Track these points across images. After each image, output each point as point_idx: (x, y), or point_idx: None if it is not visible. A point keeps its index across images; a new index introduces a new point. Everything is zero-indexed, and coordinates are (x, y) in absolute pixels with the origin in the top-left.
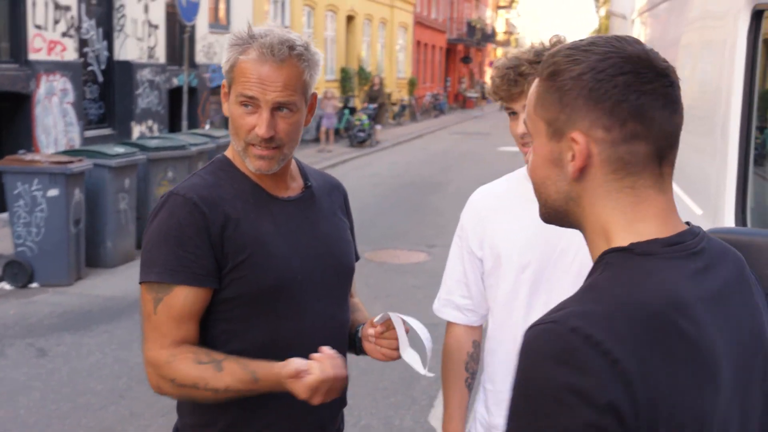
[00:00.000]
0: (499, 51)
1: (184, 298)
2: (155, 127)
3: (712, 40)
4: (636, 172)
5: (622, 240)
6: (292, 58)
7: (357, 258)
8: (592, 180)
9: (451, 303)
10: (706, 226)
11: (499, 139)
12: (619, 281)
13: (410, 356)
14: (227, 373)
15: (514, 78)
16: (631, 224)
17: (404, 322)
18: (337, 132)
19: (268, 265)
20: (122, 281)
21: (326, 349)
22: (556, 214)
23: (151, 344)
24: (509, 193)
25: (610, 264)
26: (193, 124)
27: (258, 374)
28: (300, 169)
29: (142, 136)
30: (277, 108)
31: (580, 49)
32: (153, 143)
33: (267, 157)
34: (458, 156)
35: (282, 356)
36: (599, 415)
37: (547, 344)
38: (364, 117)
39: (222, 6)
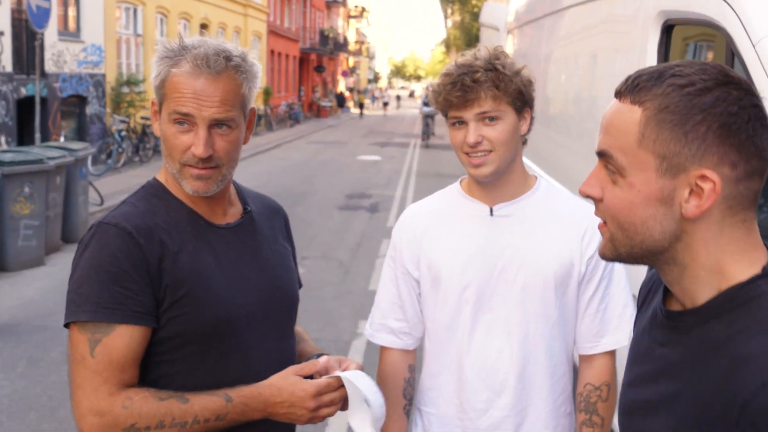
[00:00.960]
0: (351, 60)
1: (129, 339)
2: (2, 139)
3: (617, 52)
4: (747, 206)
5: (743, 270)
6: (229, 69)
7: (300, 285)
8: (708, 218)
9: (386, 327)
10: None
11: (357, 148)
12: None
13: (357, 421)
14: (194, 403)
15: (469, 84)
16: (746, 254)
17: (355, 384)
18: None
19: (209, 301)
20: None
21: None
22: (645, 254)
23: (91, 392)
24: (444, 210)
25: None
26: (45, 136)
27: (231, 394)
28: (238, 192)
29: None
30: (214, 125)
31: (693, 77)
32: (7, 157)
33: (204, 177)
34: (318, 165)
35: None
36: None
37: None
38: None
39: (72, 13)
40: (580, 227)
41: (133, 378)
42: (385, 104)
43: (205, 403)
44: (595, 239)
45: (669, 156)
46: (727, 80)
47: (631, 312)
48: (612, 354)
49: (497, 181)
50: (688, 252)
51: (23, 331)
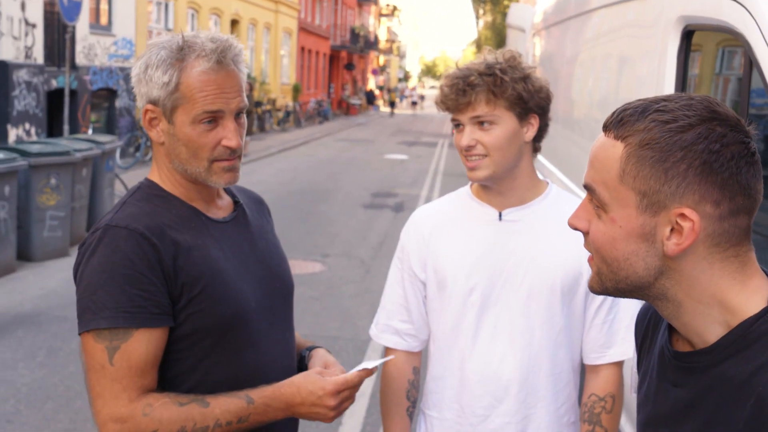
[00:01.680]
0: (382, 58)
1: (147, 343)
2: (33, 130)
3: (638, 57)
4: (738, 242)
5: (747, 300)
6: (237, 57)
7: None
8: (692, 255)
9: (391, 328)
10: None
11: (384, 146)
12: None
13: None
14: (215, 406)
15: (462, 88)
16: (745, 285)
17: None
18: None
19: (224, 296)
20: (2, 296)
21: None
22: (632, 289)
23: (112, 400)
24: (453, 213)
25: None
26: (74, 128)
27: (252, 395)
28: None
29: (19, 141)
30: (237, 115)
31: (677, 112)
32: (34, 148)
33: (235, 168)
34: (345, 163)
35: None
36: None
37: None
38: None
39: (104, 7)
40: None
41: (153, 381)
42: (414, 104)
43: (227, 405)
44: None
45: (649, 193)
46: (713, 116)
47: None
48: (619, 365)
49: (502, 186)
50: (680, 288)
51: (44, 321)
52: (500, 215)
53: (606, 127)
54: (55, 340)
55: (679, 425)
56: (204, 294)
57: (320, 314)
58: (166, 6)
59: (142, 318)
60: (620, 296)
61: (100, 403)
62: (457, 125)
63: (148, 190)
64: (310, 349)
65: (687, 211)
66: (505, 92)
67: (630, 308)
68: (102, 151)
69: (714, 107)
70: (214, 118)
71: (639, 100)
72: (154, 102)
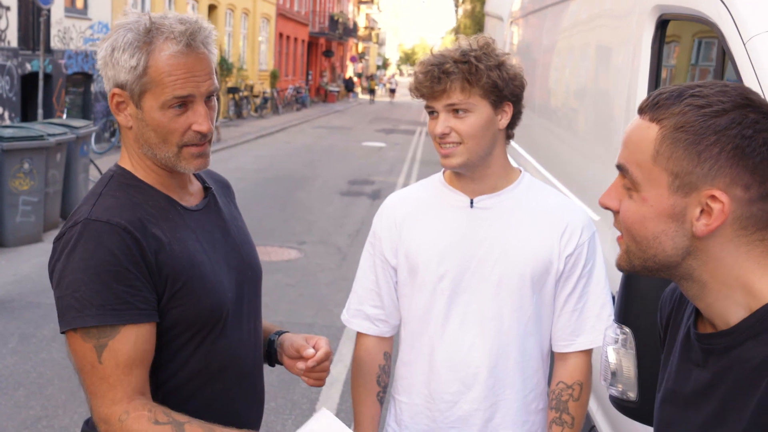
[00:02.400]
0: (360, 45)
1: (135, 339)
2: (6, 115)
3: (614, 46)
4: (765, 227)
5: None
6: (208, 39)
7: None
8: (719, 236)
9: (362, 313)
10: (603, 234)
11: (362, 134)
12: None
13: None
14: None
15: (438, 75)
16: None
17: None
18: None
19: (204, 289)
20: None
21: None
22: (660, 268)
23: (100, 399)
24: (426, 199)
25: None
26: (49, 113)
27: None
28: None
29: None
30: (207, 98)
31: (712, 98)
32: (7, 132)
33: (205, 153)
34: (322, 150)
35: (215, 381)
36: None
37: None
38: None
39: None
40: (560, 224)
41: (142, 380)
42: (392, 91)
43: None
44: (575, 236)
45: (681, 174)
46: (746, 103)
47: (608, 313)
48: (587, 353)
49: (474, 173)
50: (705, 269)
51: (16, 308)
52: (472, 202)
53: (641, 110)
54: (27, 327)
55: (699, 405)
56: (185, 289)
57: (296, 301)
58: None
59: (129, 314)
60: (647, 275)
61: (94, 402)
62: (432, 112)
63: (122, 179)
64: (279, 334)
65: (717, 193)
66: (480, 80)
67: (600, 297)
68: (76, 136)
69: (748, 94)
70: (183, 103)
71: (674, 84)
72: (121, 86)
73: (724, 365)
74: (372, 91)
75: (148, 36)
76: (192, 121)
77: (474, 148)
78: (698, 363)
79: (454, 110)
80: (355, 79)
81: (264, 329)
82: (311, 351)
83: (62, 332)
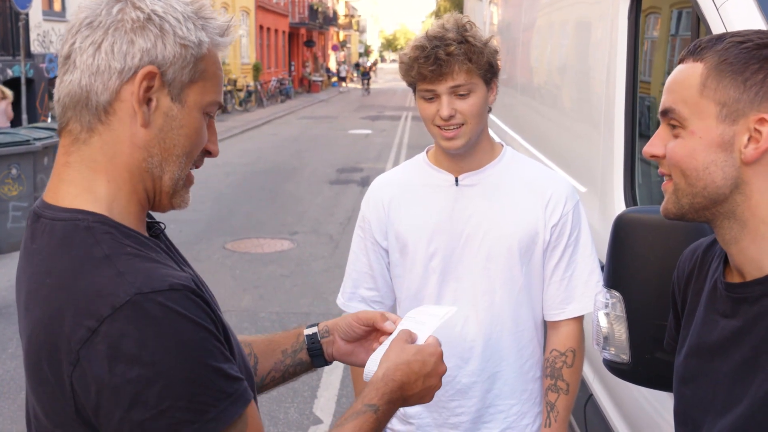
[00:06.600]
0: (342, 34)
1: (255, 412)
2: None
3: (593, 20)
4: None
5: None
6: None
7: None
8: (765, 164)
9: (357, 296)
10: (591, 204)
11: (348, 122)
12: None
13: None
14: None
15: (443, 58)
16: None
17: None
18: None
19: (234, 337)
20: None
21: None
22: (708, 204)
23: None
24: (411, 180)
25: None
26: (33, 117)
27: (371, 401)
28: None
29: None
30: None
31: (751, 35)
32: None
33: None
34: (309, 141)
35: None
36: None
37: None
38: None
39: None
40: (544, 195)
41: None
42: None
43: (359, 426)
44: (559, 207)
45: (729, 102)
46: None
47: (597, 279)
48: (578, 320)
49: (465, 152)
50: (748, 206)
51: (13, 313)
52: (457, 180)
53: (683, 58)
54: None
55: (726, 353)
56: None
57: (291, 291)
58: None
59: (243, 389)
60: (692, 216)
61: None
62: (431, 97)
63: (106, 228)
64: (311, 326)
65: (767, 116)
66: (480, 60)
67: (587, 264)
68: None
69: None
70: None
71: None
72: (161, 65)
73: (756, 313)
74: (366, 75)
75: (201, 13)
76: (208, 138)
77: (475, 127)
78: (726, 314)
79: (457, 92)
80: (343, 72)
81: (276, 341)
82: (391, 324)
83: None
